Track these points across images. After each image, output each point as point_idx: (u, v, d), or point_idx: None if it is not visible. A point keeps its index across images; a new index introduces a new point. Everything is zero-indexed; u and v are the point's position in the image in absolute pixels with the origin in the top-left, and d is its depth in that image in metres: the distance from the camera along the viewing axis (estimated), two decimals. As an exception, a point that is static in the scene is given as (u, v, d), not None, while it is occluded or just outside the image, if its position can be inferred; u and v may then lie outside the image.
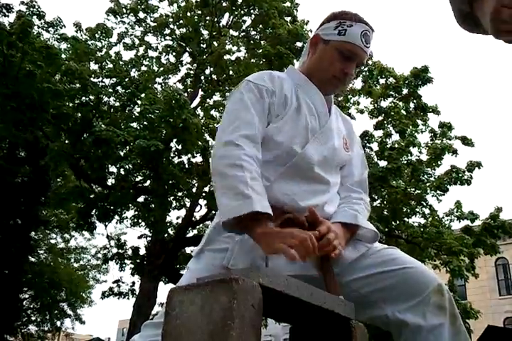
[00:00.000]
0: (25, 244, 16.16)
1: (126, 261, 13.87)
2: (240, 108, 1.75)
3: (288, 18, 13.90)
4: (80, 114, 11.21)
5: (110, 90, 11.99)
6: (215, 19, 14.22)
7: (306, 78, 1.92)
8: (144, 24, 14.97)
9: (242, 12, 14.47)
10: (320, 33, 1.92)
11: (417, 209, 12.73)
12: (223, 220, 1.58)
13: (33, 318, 20.97)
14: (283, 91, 1.83)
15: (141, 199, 12.92)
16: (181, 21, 14.53)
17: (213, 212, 13.27)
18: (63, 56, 11.72)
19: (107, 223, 13.06)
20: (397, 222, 12.40)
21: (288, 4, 14.14)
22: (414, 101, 12.83)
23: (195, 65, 14.32)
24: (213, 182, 1.71)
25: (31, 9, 12.23)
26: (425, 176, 12.79)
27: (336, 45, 1.86)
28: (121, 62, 13.32)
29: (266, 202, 1.58)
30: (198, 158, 12.42)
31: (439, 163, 12.76)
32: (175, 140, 11.53)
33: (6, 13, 12.36)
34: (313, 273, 1.66)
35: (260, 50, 12.95)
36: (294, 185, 1.75)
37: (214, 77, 13.80)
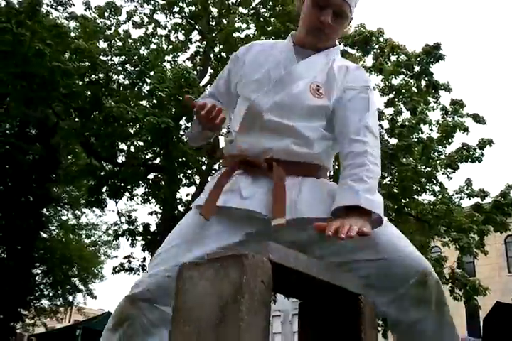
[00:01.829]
0: (36, 221, 16.29)
1: (137, 237, 13.95)
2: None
3: (299, -5, 13.70)
4: (89, 92, 11.21)
5: (119, 68, 11.96)
6: (225, -4, 14.08)
7: (290, 38, 1.98)
8: (152, 2, 14.82)
9: (252, -11, 14.29)
10: None
11: (427, 187, 12.67)
12: None
13: (46, 293, 21.22)
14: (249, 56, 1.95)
15: (151, 176, 12.98)
16: (190, -1, 14.39)
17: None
18: (72, 34, 11.68)
19: (117, 200, 13.14)
20: (407, 200, 12.37)
21: (298, -20, 13.91)
22: (426, 78, 12.67)
23: (204, 42, 14.20)
24: None
25: (39, -13, 12.16)
26: (436, 154, 12.72)
27: None
28: (130, 41, 13.23)
29: None
30: (208, 136, 12.40)
31: (450, 140, 12.66)
32: (184, 118, 11.52)
33: (15, -8, 12.31)
34: (262, 211, 1.66)
35: (270, 28, 12.82)
36: (250, 133, 1.78)
37: (223, 54, 13.70)
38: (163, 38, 14.92)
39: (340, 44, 12.89)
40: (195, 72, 12.19)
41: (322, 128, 1.79)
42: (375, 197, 1.60)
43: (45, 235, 19.43)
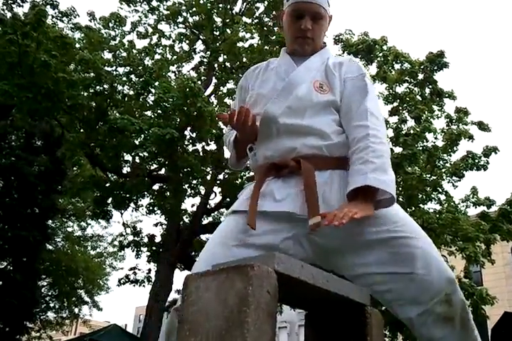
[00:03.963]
0: (42, 233, 16.27)
1: (142, 248, 13.95)
2: None
3: (302, 4, 13.74)
4: (94, 103, 11.24)
5: (124, 79, 11.99)
6: (228, 6, 14.14)
7: (283, 52, 2.09)
8: (157, 12, 14.92)
9: (255, -1, 14.37)
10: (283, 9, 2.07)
11: (433, 196, 12.64)
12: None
13: (52, 305, 21.20)
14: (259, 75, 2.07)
15: (156, 187, 12.99)
16: (194, 9, 14.43)
17: (228, 199, 13.31)
18: (77, 45, 11.75)
19: (122, 211, 13.15)
20: (413, 209, 12.32)
21: (302, -11, 13.95)
22: (430, 86, 12.68)
23: (208, 52, 14.25)
24: None
25: (45, -1, 12.27)
26: (441, 162, 12.69)
27: (288, 11, 2.01)
28: (134, 51, 13.29)
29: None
30: (212, 146, 12.43)
31: (455, 148, 12.63)
32: (189, 128, 11.53)
33: (20, 4, 12.46)
34: (297, 212, 1.71)
35: (274, 37, 12.85)
36: (270, 140, 1.86)
37: (227, 64, 13.74)
38: (168, 48, 15.00)
39: (343, 52, 12.93)
40: (199, 82, 12.22)
41: (335, 123, 1.87)
42: (385, 176, 1.69)
43: (50, 247, 19.44)
